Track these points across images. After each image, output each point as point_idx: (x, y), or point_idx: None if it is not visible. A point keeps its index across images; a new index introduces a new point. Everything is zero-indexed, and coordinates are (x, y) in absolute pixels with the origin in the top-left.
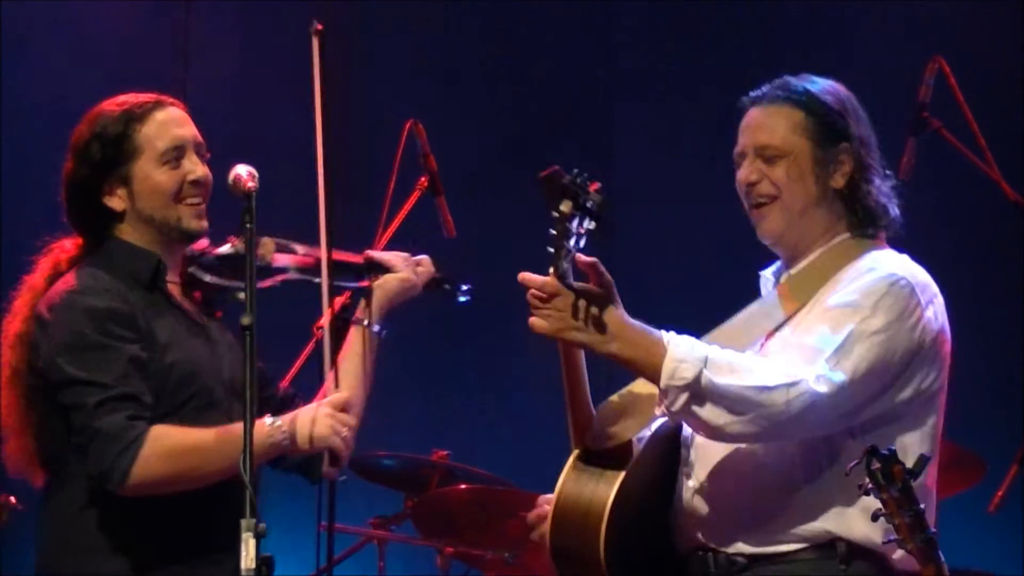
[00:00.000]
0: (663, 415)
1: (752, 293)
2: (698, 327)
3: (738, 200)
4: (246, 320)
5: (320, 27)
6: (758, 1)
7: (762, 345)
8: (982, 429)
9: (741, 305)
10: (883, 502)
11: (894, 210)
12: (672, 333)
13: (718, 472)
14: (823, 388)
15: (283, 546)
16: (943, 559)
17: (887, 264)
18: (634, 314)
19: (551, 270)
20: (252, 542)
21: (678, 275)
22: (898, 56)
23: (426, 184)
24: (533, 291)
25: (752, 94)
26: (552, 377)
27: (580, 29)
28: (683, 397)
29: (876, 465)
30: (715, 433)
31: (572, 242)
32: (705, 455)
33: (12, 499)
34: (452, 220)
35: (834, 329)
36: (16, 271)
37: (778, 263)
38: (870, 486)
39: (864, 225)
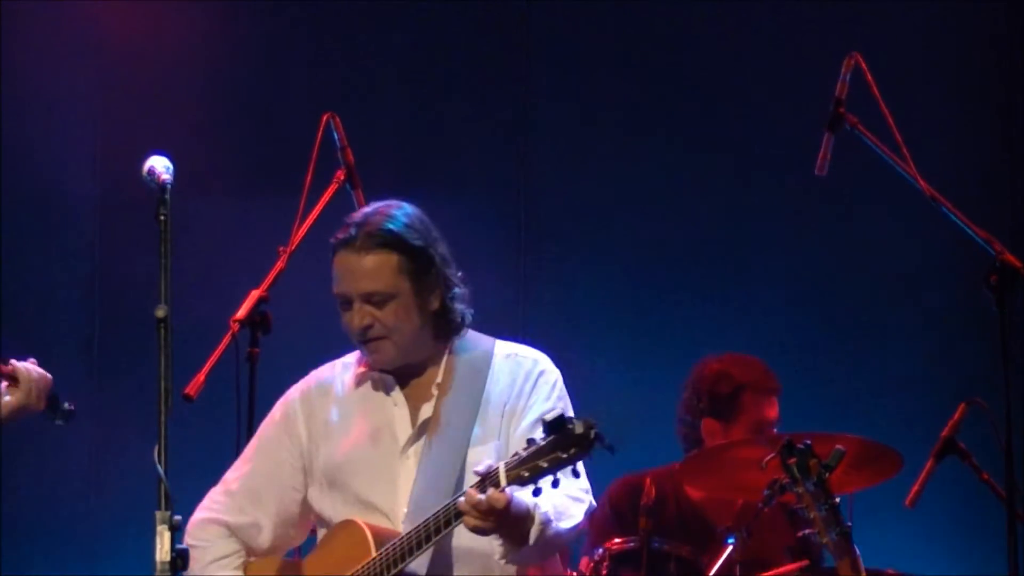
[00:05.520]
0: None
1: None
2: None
3: (653, 192)
4: (160, 312)
5: None
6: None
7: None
8: (899, 423)
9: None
10: (798, 496)
11: (470, 309)
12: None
13: None
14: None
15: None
16: (858, 552)
17: (532, 355)
18: (552, 311)
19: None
20: (167, 534)
21: (594, 266)
22: (815, 52)
23: (343, 177)
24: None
25: (341, 237)
26: None
27: (498, 26)
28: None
29: (792, 459)
30: None
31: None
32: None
33: None
34: None
35: None
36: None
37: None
38: (785, 481)
39: (456, 331)
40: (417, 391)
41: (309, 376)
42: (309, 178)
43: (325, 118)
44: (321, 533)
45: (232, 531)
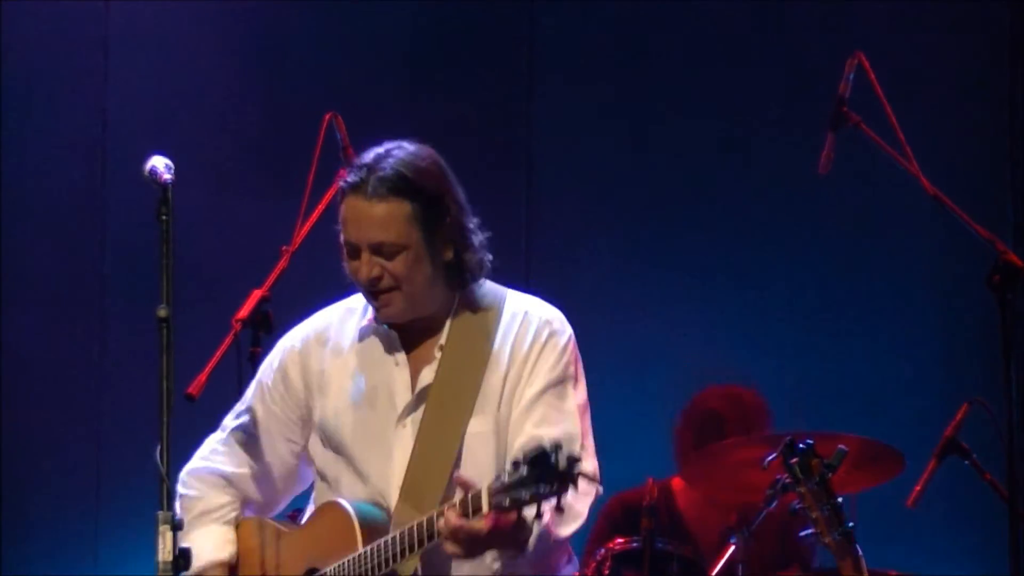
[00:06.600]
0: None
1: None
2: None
3: (656, 192)
4: (162, 312)
5: None
6: None
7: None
8: (901, 423)
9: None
10: (800, 496)
11: (487, 256)
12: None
13: None
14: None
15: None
16: (860, 552)
17: (543, 314)
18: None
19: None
20: (169, 534)
21: (597, 265)
22: (818, 51)
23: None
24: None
25: (351, 180)
26: None
27: (501, 26)
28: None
29: (794, 459)
30: None
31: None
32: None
33: None
34: None
35: (562, 410)
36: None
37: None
38: (787, 480)
39: (471, 282)
40: (421, 352)
41: (308, 322)
42: (311, 177)
43: (327, 117)
44: (320, 487)
45: (230, 482)
